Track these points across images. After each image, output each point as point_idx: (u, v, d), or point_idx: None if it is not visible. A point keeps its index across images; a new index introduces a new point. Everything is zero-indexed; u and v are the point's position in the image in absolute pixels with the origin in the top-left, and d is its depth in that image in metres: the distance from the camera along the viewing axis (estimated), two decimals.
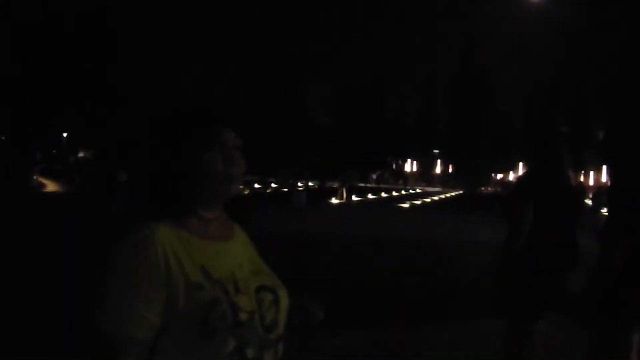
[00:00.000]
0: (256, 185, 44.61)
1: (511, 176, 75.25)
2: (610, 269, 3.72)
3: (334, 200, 33.04)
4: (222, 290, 1.45)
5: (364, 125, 78.10)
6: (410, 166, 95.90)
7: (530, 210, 3.89)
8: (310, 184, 56.91)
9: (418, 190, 60.53)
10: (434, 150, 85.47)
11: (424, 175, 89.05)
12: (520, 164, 70.71)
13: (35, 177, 35.96)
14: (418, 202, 37.29)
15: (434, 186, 79.24)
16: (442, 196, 51.18)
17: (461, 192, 62.16)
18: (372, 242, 14.29)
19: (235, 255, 1.58)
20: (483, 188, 69.01)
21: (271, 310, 1.54)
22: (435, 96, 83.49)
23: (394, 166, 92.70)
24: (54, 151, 56.08)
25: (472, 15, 59.24)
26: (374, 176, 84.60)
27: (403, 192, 54.61)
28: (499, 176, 79.24)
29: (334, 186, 41.87)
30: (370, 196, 41.32)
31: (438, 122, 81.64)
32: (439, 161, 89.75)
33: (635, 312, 3.72)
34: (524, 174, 4.33)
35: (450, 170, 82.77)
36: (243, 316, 1.45)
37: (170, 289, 1.42)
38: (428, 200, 41.83)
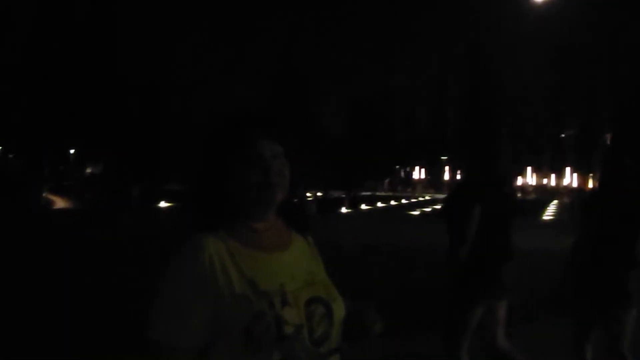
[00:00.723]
0: None
1: (519, 181, 74.80)
2: (578, 260, 4.41)
3: (344, 210, 32.98)
4: (267, 303, 1.44)
5: (374, 134, 78.03)
6: (418, 173, 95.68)
7: (477, 214, 4.08)
8: (318, 193, 56.83)
9: (427, 198, 60.30)
10: (442, 157, 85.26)
11: (433, 182, 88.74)
12: (529, 168, 70.43)
13: (44, 195, 36.06)
14: (428, 209, 37.15)
15: (442, 193, 78.91)
16: None
17: None
18: (386, 250, 14.20)
19: (288, 266, 1.56)
20: None
21: (322, 323, 1.51)
22: (444, 102, 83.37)
23: (402, 174, 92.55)
24: (62, 167, 56.27)
25: (481, 22, 59.00)
26: (386, 184, 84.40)
27: (413, 199, 54.42)
28: None
29: (342, 195, 41.84)
30: (380, 204, 41.19)
31: (447, 129, 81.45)
32: (447, 168, 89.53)
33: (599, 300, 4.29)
34: (465, 177, 4.52)
35: (459, 176, 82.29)
36: (288, 330, 1.43)
37: (217, 300, 1.43)
38: (438, 207, 41.61)
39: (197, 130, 42.10)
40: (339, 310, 1.57)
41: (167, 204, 30.93)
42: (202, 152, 1.60)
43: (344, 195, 41.07)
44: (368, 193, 59.93)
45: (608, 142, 58.55)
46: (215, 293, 1.43)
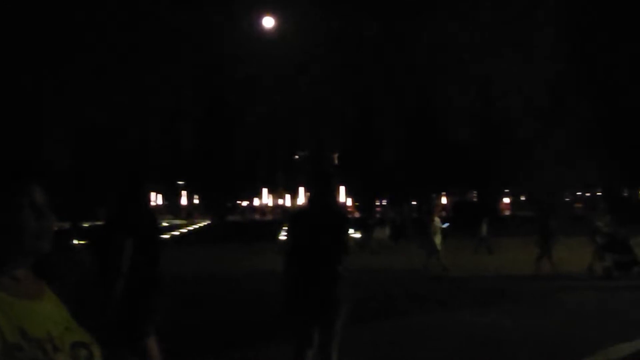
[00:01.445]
0: None
1: (256, 202, 76.44)
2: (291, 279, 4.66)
3: (75, 242, 31.24)
4: (40, 350, 1.43)
5: (104, 161, 74.11)
6: (155, 199, 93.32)
7: (130, 247, 4.18)
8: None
9: (165, 224, 58.68)
10: (179, 182, 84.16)
11: (170, 207, 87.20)
12: (265, 190, 72.28)
13: None
14: (167, 236, 36.29)
15: (181, 218, 77.90)
16: (190, 228, 50.50)
17: (209, 222, 61.59)
18: None
19: (50, 312, 1.55)
20: (231, 216, 69.22)
21: None
22: (178, 127, 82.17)
23: None
24: None
25: (211, 44, 59.04)
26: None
27: None
28: (244, 203, 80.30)
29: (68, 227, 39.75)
30: None
31: (181, 153, 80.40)
32: (184, 192, 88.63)
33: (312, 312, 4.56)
34: (115, 212, 4.53)
35: (196, 200, 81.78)
36: None
37: None
38: (177, 233, 41.05)
39: None
40: (98, 352, 1.57)
41: None
42: None
43: (70, 227, 38.69)
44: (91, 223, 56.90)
45: (335, 161, 62.25)
46: None
